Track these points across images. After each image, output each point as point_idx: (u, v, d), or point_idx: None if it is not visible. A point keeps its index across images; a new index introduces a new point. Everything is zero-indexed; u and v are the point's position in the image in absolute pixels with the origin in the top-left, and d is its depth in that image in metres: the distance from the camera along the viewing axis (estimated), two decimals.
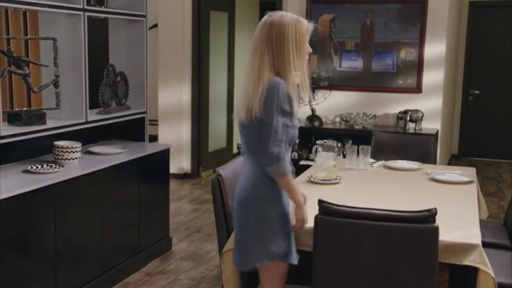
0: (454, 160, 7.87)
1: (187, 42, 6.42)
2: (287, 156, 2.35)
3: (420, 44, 5.57)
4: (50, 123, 3.57)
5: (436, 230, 2.22)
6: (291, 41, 2.28)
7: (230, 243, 2.59)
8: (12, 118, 3.47)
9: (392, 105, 5.74)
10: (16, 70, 3.52)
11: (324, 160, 3.40)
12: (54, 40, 3.63)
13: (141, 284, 3.75)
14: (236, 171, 2.63)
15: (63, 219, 3.18)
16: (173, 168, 6.26)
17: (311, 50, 2.37)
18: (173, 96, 6.53)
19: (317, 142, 3.53)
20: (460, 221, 2.68)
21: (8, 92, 6.19)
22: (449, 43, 5.98)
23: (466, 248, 2.39)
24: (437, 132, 5.53)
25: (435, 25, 5.55)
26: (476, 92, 8.07)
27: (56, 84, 3.67)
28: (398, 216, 2.26)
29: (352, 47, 5.83)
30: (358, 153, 3.77)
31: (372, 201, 2.87)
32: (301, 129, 2.53)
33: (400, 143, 4.39)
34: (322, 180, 3.34)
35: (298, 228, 2.40)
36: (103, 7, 4.10)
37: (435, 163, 4.35)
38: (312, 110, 5.75)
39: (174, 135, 6.52)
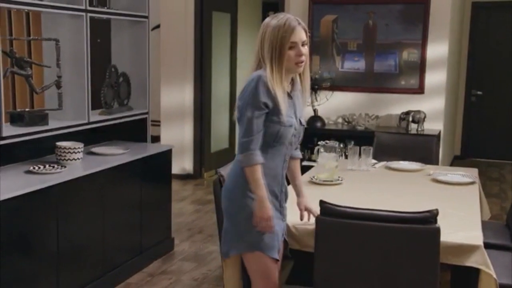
0: (457, 161, 7.85)
1: (190, 43, 6.43)
2: (277, 152, 2.38)
3: (423, 45, 5.57)
4: (52, 124, 3.57)
5: (437, 231, 2.22)
6: (271, 44, 2.29)
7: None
8: (15, 118, 3.47)
9: (395, 106, 5.73)
10: (19, 71, 3.53)
11: (326, 161, 3.40)
12: (57, 41, 3.64)
13: (143, 284, 3.75)
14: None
15: (65, 219, 3.18)
16: (176, 169, 6.26)
17: (302, 52, 2.30)
18: (175, 97, 6.53)
19: (319, 143, 3.52)
20: (462, 222, 2.68)
21: (11, 92, 6.21)
22: (451, 44, 5.97)
23: (468, 249, 2.39)
24: (440, 133, 5.52)
25: (438, 26, 5.55)
26: (479, 93, 8.06)
27: (58, 85, 3.68)
28: (400, 217, 2.25)
29: (354, 48, 5.82)
30: (360, 154, 3.77)
31: (374, 202, 2.86)
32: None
33: (402, 144, 4.39)
34: (324, 181, 3.34)
35: (259, 226, 2.35)
36: (106, 8, 4.11)
37: (437, 164, 4.35)
38: (314, 111, 5.75)
39: (177, 136, 6.53)
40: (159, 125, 6.63)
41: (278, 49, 2.28)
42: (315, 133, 5.54)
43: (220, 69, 6.94)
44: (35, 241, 3.01)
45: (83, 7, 3.71)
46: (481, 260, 2.37)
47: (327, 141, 3.51)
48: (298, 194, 2.61)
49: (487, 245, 2.52)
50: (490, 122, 8.02)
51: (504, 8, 7.75)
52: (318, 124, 5.71)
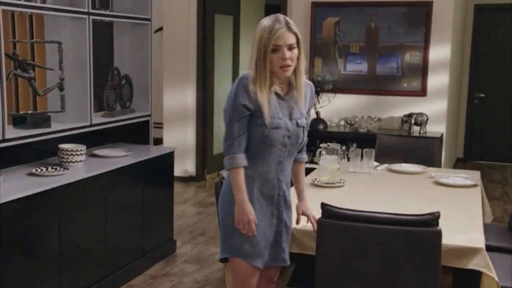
0: (460, 163, 7.84)
1: (192, 45, 6.44)
2: (269, 155, 2.35)
3: (425, 47, 5.57)
4: (55, 126, 3.58)
5: (439, 234, 2.22)
6: (257, 45, 2.29)
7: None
8: (18, 121, 3.48)
9: (397, 108, 5.73)
10: (22, 74, 3.54)
11: (327, 163, 3.40)
12: (59, 43, 3.65)
13: (145, 286, 3.76)
14: None
15: (67, 221, 3.19)
16: (178, 171, 6.27)
17: (286, 56, 2.26)
18: (178, 99, 6.54)
19: (321, 145, 3.52)
20: (463, 225, 2.68)
21: (14, 95, 6.22)
22: (454, 46, 5.97)
23: (469, 252, 2.38)
24: (442, 135, 5.52)
25: (440, 28, 5.55)
26: (482, 95, 8.05)
27: (61, 87, 3.69)
28: (401, 219, 2.26)
29: (356, 50, 5.82)
30: (362, 156, 3.77)
31: (375, 204, 2.87)
32: None
33: (404, 146, 4.39)
34: (326, 183, 3.35)
35: (239, 228, 2.35)
36: (108, 10, 4.12)
37: (439, 166, 4.35)
38: (317, 113, 5.75)
39: (179, 138, 6.53)
40: (161, 128, 6.64)
41: (262, 51, 2.27)
42: (317, 136, 5.53)
43: (223, 72, 6.95)
44: (38, 243, 3.01)
45: (86, 10, 3.72)
46: (483, 263, 2.37)
47: (329, 144, 3.51)
48: (298, 197, 2.60)
49: (489, 248, 2.52)
50: (493, 125, 8.01)
51: (507, 11, 7.74)
52: (321, 127, 5.71)
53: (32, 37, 6.16)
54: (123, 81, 4.29)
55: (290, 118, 2.37)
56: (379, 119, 5.68)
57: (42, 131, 3.46)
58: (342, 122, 5.89)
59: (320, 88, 5.65)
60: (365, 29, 5.75)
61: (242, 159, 2.34)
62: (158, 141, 6.58)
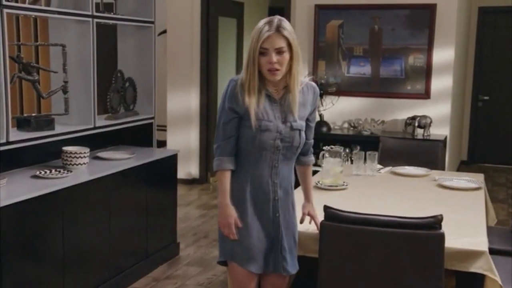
0: (464, 166, 7.82)
1: (196, 48, 6.45)
2: (261, 158, 2.32)
3: (429, 49, 5.56)
4: (58, 129, 3.59)
5: (442, 237, 2.22)
6: (249, 47, 2.30)
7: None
8: (22, 123, 3.50)
9: (401, 111, 5.72)
10: (26, 76, 3.56)
11: (330, 166, 3.40)
12: (63, 46, 3.67)
13: None
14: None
15: (71, 224, 3.20)
16: (182, 174, 6.28)
17: (272, 60, 2.24)
18: (181, 102, 6.55)
19: (324, 148, 3.52)
20: (467, 228, 2.67)
21: (19, 98, 6.25)
22: (458, 49, 5.96)
23: (473, 255, 2.38)
24: (446, 138, 5.51)
25: (444, 30, 5.54)
26: (486, 98, 8.03)
27: (65, 90, 3.70)
28: (404, 222, 2.25)
29: (360, 53, 5.82)
30: (365, 159, 3.77)
31: (378, 207, 2.86)
32: None
33: (407, 149, 4.38)
34: (329, 186, 3.34)
35: (223, 231, 2.37)
36: (112, 13, 4.13)
37: (443, 169, 4.34)
38: (320, 116, 5.75)
39: (183, 141, 6.54)
40: (165, 130, 6.65)
41: (252, 53, 2.27)
42: (321, 138, 5.51)
43: (226, 74, 6.95)
44: (41, 246, 3.02)
45: (90, 13, 3.74)
46: (486, 266, 2.36)
47: (332, 146, 3.51)
48: (304, 198, 2.59)
49: (492, 251, 2.51)
50: (497, 127, 7.99)
51: (511, 13, 7.72)
52: (324, 129, 5.70)
53: (36, 40, 6.19)
54: (127, 84, 4.31)
55: (284, 121, 2.33)
56: (383, 122, 5.67)
57: (46, 134, 3.48)
58: (346, 125, 5.88)
59: (323, 90, 5.64)
60: (369, 32, 5.75)
61: (228, 162, 2.35)
62: (162, 144, 6.59)
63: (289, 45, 2.26)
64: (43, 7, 3.50)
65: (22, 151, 3.36)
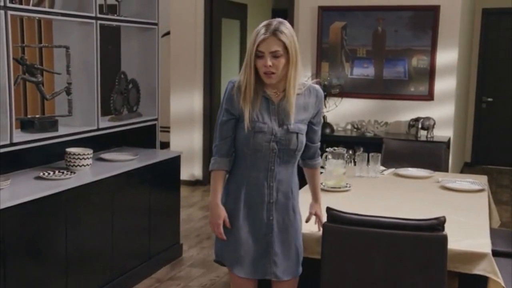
0: (467, 168, 7.81)
1: (199, 50, 6.46)
2: (256, 160, 2.32)
3: (432, 51, 5.55)
4: (62, 130, 3.61)
5: (444, 239, 2.21)
6: (247, 49, 2.30)
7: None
8: (25, 125, 3.51)
9: (404, 112, 5.72)
10: (30, 78, 3.57)
11: (333, 167, 3.40)
12: (67, 48, 3.68)
13: None
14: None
15: (74, 225, 3.21)
16: (185, 175, 6.28)
17: (267, 63, 2.23)
18: (185, 103, 6.56)
19: (327, 149, 3.52)
20: (470, 230, 2.67)
21: (22, 99, 6.26)
22: (461, 50, 5.95)
23: (475, 257, 2.37)
24: (449, 139, 5.50)
25: (447, 32, 5.53)
26: (489, 99, 8.02)
27: (68, 91, 3.71)
28: (407, 224, 2.25)
29: (363, 54, 5.82)
30: (368, 160, 3.77)
31: (381, 209, 2.86)
32: None
33: (411, 150, 4.38)
34: (332, 187, 3.34)
35: (212, 230, 2.41)
36: (116, 15, 4.14)
37: (446, 171, 4.33)
38: (323, 117, 5.75)
39: (186, 142, 6.55)
40: (168, 131, 6.66)
41: (249, 56, 2.27)
42: (324, 140, 5.47)
43: (229, 76, 6.92)
44: (44, 247, 3.03)
45: (93, 15, 3.75)
46: (489, 268, 2.36)
47: (335, 148, 3.51)
48: (313, 198, 2.59)
49: (496, 253, 2.51)
50: (501, 129, 7.97)
51: None
52: (327, 131, 5.70)
53: (40, 42, 6.21)
54: (130, 85, 4.32)
55: (281, 124, 2.32)
56: (386, 123, 5.67)
57: (49, 135, 3.49)
58: (349, 126, 5.88)
59: (326, 92, 5.64)
60: (372, 33, 5.75)
61: (222, 162, 2.38)
62: (165, 145, 6.60)
63: (286, 50, 2.24)
64: (47, 9, 3.52)
65: (25, 152, 3.37)
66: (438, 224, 2.22)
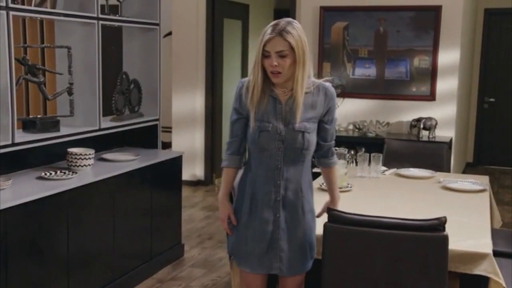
0: (469, 168, 7.80)
1: (201, 50, 6.47)
2: (264, 159, 2.34)
3: (434, 51, 5.55)
4: (64, 130, 3.61)
5: (445, 239, 2.21)
6: (256, 48, 2.32)
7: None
8: (27, 125, 3.51)
9: (406, 112, 5.72)
10: (31, 78, 3.58)
11: None
12: (69, 48, 3.68)
13: None
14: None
15: (75, 225, 3.21)
16: (187, 175, 6.30)
17: (273, 63, 2.25)
18: (187, 104, 6.57)
19: None
20: (471, 230, 2.67)
21: (24, 99, 6.28)
22: (463, 51, 5.95)
23: (476, 257, 2.38)
24: (451, 140, 5.50)
25: (449, 32, 5.53)
26: (492, 99, 8.01)
27: (70, 92, 3.72)
28: (407, 224, 2.25)
29: (365, 54, 5.82)
30: (370, 160, 3.76)
31: (383, 209, 2.86)
32: None
33: (412, 151, 4.37)
34: None
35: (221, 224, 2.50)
36: (117, 15, 4.15)
37: (448, 171, 4.33)
38: None
39: (188, 142, 6.56)
40: (170, 132, 6.66)
41: (257, 55, 2.30)
42: None
43: (231, 76, 6.96)
44: (46, 247, 3.03)
45: (95, 15, 3.75)
46: (490, 269, 2.36)
47: (336, 148, 3.51)
48: (330, 198, 2.57)
49: (497, 253, 2.51)
50: (503, 129, 7.96)
51: None
52: None
53: (42, 42, 6.22)
54: (132, 86, 4.32)
55: (287, 123, 2.32)
56: (388, 124, 5.66)
57: (51, 135, 3.49)
58: (351, 127, 5.88)
59: None
60: (374, 34, 5.75)
61: (232, 160, 2.45)
62: (167, 145, 6.61)
63: (293, 49, 2.25)
64: (49, 10, 3.52)
65: (27, 152, 3.37)
66: (439, 225, 2.21)
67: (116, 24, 4.09)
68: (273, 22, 2.31)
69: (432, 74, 5.59)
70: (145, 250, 3.93)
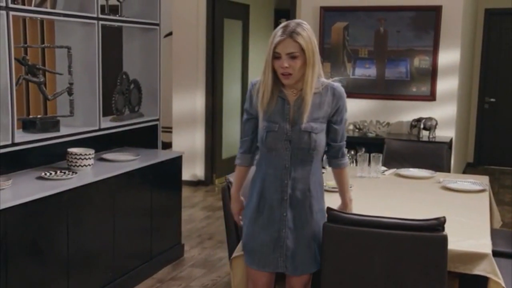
0: (470, 168, 7.80)
1: (201, 50, 6.47)
2: (273, 158, 2.37)
3: (434, 51, 5.55)
4: (64, 130, 3.61)
5: (445, 239, 2.21)
6: (267, 50, 2.33)
7: (239, 249, 2.60)
8: (27, 125, 3.52)
9: (406, 113, 5.72)
10: (31, 78, 3.58)
11: None
12: (69, 48, 3.69)
13: None
14: (247, 178, 2.64)
15: (75, 225, 3.21)
16: (187, 175, 6.30)
17: (283, 64, 2.26)
18: (187, 104, 6.57)
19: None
20: (470, 230, 2.67)
21: (25, 99, 6.29)
22: (463, 51, 5.94)
23: (476, 257, 2.38)
24: (451, 140, 5.49)
25: (450, 32, 5.53)
26: (492, 100, 8.00)
27: (70, 92, 3.72)
28: (407, 224, 2.25)
29: (365, 54, 5.82)
30: (370, 161, 3.77)
31: (382, 209, 2.86)
32: None
33: (412, 151, 4.38)
34: (333, 188, 3.32)
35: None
36: (117, 16, 4.15)
37: (448, 171, 4.33)
38: None
39: (188, 142, 6.56)
40: (171, 132, 6.67)
41: (267, 57, 2.31)
42: None
43: (232, 76, 6.97)
44: (46, 247, 3.04)
45: (95, 15, 3.75)
46: (489, 269, 2.36)
47: None
48: (341, 199, 2.59)
49: (497, 253, 2.51)
50: (503, 129, 7.96)
51: None
52: None
53: (42, 42, 6.23)
54: (132, 86, 4.32)
55: (294, 123, 2.34)
56: (388, 124, 5.66)
57: (51, 135, 3.49)
58: (351, 127, 5.87)
59: None
60: (374, 34, 5.75)
61: (244, 158, 2.53)
62: (168, 145, 6.61)
63: (302, 51, 2.26)
64: (49, 10, 3.52)
65: (27, 152, 3.38)
66: (438, 225, 2.22)
67: (116, 24, 4.10)
68: (283, 24, 2.32)
69: (432, 74, 5.59)
70: (145, 250, 3.93)
